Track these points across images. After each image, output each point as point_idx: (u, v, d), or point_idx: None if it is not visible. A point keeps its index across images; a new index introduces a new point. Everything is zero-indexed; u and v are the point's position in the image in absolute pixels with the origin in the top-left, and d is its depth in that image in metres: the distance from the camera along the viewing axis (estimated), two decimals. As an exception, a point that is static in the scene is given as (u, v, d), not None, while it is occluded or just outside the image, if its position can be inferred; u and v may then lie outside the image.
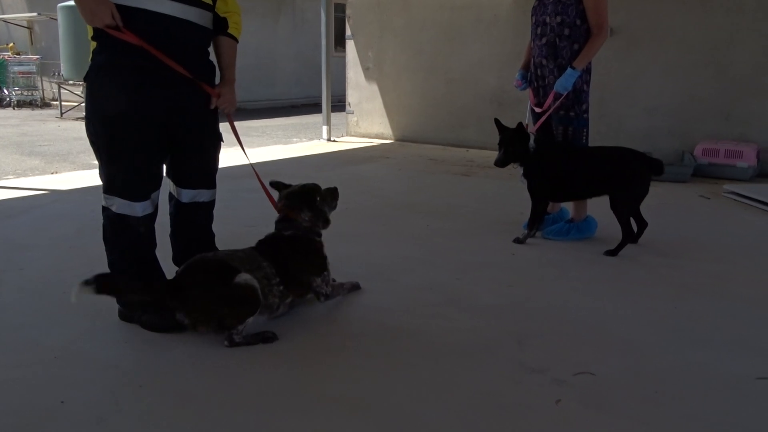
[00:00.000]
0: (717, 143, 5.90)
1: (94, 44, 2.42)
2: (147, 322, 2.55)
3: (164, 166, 2.66)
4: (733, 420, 1.98)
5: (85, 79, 2.44)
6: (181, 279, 2.41)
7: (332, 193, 2.88)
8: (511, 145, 3.69)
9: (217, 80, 2.69)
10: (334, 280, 2.85)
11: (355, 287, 3.02)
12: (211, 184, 2.75)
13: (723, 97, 6.07)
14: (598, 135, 6.31)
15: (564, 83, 3.64)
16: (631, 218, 3.69)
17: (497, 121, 3.86)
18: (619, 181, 3.58)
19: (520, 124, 3.69)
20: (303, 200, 2.75)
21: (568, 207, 4.10)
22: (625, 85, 6.53)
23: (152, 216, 2.58)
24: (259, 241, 2.71)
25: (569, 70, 3.62)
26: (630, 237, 3.62)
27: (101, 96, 2.41)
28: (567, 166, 3.67)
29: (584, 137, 3.84)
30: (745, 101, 5.97)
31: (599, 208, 3.83)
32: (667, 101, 6.38)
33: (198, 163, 2.69)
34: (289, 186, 2.85)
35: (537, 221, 3.82)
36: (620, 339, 2.54)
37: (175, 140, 2.56)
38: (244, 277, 2.39)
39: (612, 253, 3.57)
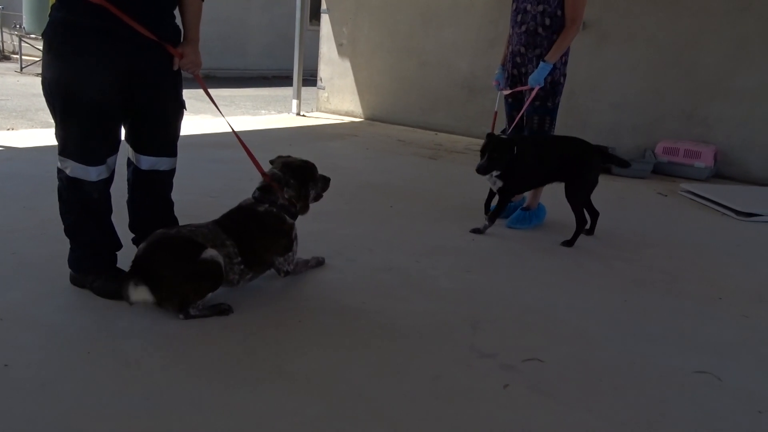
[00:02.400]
0: (677, 142, 6.03)
1: (53, 0, 2.33)
2: (99, 288, 2.51)
3: (123, 131, 2.60)
4: (668, 409, 2.05)
5: (43, 35, 2.35)
6: (146, 258, 2.36)
7: (325, 182, 2.86)
8: (496, 152, 3.61)
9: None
10: (299, 259, 2.84)
11: (319, 263, 3.03)
12: (171, 152, 2.69)
13: (686, 97, 6.20)
14: (566, 127, 6.38)
15: (537, 78, 3.68)
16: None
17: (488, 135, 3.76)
18: (576, 169, 3.70)
19: (503, 134, 3.80)
20: (294, 175, 2.70)
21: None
22: (593, 79, 6.61)
23: (108, 181, 2.52)
24: (227, 213, 2.65)
25: (542, 64, 3.66)
26: (583, 225, 3.72)
27: (58, 55, 2.32)
28: (535, 158, 3.72)
29: (548, 125, 3.89)
30: (708, 103, 6.10)
31: (551, 198, 3.90)
32: (632, 98, 6.48)
33: (158, 130, 2.62)
34: (289, 157, 2.80)
35: (500, 215, 3.84)
36: (570, 328, 2.60)
37: (134, 105, 2.49)
38: (210, 252, 2.38)
39: (569, 243, 3.65)
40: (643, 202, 4.99)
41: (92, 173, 2.43)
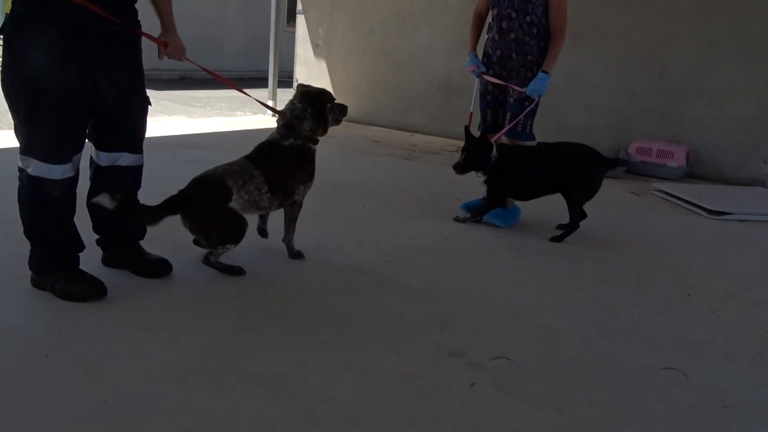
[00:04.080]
0: (650, 142, 6.08)
1: None
2: (60, 290, 2.45)
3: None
4: (634, 406, 2.05)
5: (2, 32, 2.29)
6: (188, 191, 2.72)
7: (342, 109, 3.09)
8: (473, 152, 3.68)
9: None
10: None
11: (299, 254, 3.12)
12: (134, 148, 2.63)
13: (659, 98, 6.25)
14: (540, 128, 6.36)
15: (539, 88, 3.73)
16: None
17: (466, 130, 3.81)
18: (580, 178, 3.72)
19: (484, 134, 3.74)
20: (312, 104, 2.94)
21: None
22: (567, 80, 6.64)
23: (72, 180, 2.45)
24: (258, 146, 2.95)
25: (541, 74, 3.71)
26: (578, 224, 3.76)
27: (21, 52, 2.25)
28: (531, 167, 3.76)
29: (530, 127, 3.90)
30: (680, 104, 6.16)
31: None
32: (606, 99, 6.53)
33: (121, 125, 2.56)
34: (309, 87, 3.08)
35: (484, 214, 3.89)
36: (539, 327, 2.59)
37: (99, 102, 2.43)
38: (235, 205, 2.73)
39: (558, 239, 3.73)
40: (616, 201, 5.02)
41: (56, 172, 2.36)
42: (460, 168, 3.71)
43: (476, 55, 4.02)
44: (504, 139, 3.94)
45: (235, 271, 2.81)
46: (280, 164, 2.88)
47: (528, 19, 3.73)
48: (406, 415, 1.91)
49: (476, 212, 3.94)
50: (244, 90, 3.08)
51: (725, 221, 4.52)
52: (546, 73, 3.74)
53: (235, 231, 2.75)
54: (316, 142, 3.00)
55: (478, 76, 4.03)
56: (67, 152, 2.39)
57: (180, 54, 2.66)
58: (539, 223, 3.98)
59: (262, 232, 3.21)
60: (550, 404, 2.02)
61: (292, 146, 2.91)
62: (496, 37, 3.90)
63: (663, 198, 5.13)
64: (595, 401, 2.07)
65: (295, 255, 3.09)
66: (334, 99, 3.06)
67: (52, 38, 2.24)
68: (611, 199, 5.05)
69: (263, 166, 2.83)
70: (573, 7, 6.39)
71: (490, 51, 3.95)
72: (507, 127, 3.86)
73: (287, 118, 2.93)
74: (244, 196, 2.75)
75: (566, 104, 6.71)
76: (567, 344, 2.46)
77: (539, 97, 3.76)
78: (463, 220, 3.93)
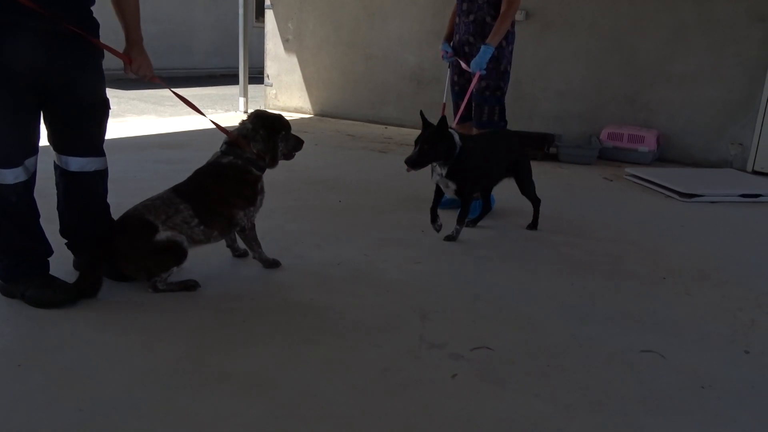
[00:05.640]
0: (621, 128, 6.14)
1: None
2: (31, 297, 2.39)
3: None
4: (613, 389, 2.07)
5: None
6: (112, 237, 2.57)
7: (297, 143, 2.89)
8: (429, 143, 3.19)
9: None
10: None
11: (275, 263, 2.96)
12: (99, 152, 2.57)
13: (628, 83, 6.32)
14: (513, 116, 6.39)
15: (479, 62, 3.66)
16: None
17: (422, 115, 3.42)
18: (524, 160, 3.72)
19: (444, 120, 3.24)
20: (264, 125, 2.73)
21: None
22: (539, 68, 6.68)
23: (27, 183, 2.38)
24: (194, 172, 2.75)
25: (483, 47, 3.64)
26: (539, 204, 3.75)
27: None
28: (489, 155, 3.55)
29: (498, 116, 3.90)
30: (649, 88, 6.24)
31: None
32: (577, 85, 6.58)
33: (83, 130, 2.49)
34: (265, 111, 2.88)
35: (467, 215, 3.56)
36: (519, 315, 2.61)
37: (51, 104, 2.36)
38: (164, 234, 2.54)
39: (533, 226, 3.73)
40: (590, 187, 5.06)
41: (8, 176, 2.29)
42: (414, 163, 3.15)
43: (448, 43, 4.00)
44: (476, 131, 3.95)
45: (189, 286, 2.63)
46: (211, 190, 2.66)
47: None
48: (390, 409, 1.91)
49: (463, 219, 3.49)
50: (199, 109, 2.83)
51: (697, 203, 4.59)
52: (487, 45, 3.64)
53: (173, 255, 2.56)
54: (261, 168, 2.76)
55: (450, 62, 4.00)
56: (17, 155, 2.32)
57: (147, 71, 2.56)
58: (514, 211, 4.00)
59: (234, 250, 3.03)
60: (531, 392, 2.03)
61: (230, 166, 2.68)
62: (457, 20, 3.91)
63: (635, 182, 5.19)
64: (576, 386, 2.08)
65: (271, 264, 2.94)
66: (290, 128, 2.84)
67: None
68: (585, 186, 5.10)
69: (190, 198, 2.62)
70: (542, -6, 6.47)
71: (456, 37, 3.96)
72: (458, 115, 3.81)
73: (233, 136, 2.71)
74: (174, 228, 2.56)
75: (538, 92, 6.75)
76: (546, 331, 2.47)
77: (481, 69, 3.68)
78: (456, 235, 3.48)
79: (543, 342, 2.38)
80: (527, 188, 3.74)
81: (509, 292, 2.83)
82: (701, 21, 5.91)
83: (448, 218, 3.56)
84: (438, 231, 3.48)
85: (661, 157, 6.14)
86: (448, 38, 4.05)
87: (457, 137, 3.30)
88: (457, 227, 3.47)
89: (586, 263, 3.25)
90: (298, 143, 2.89)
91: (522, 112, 6.66)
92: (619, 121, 6.31)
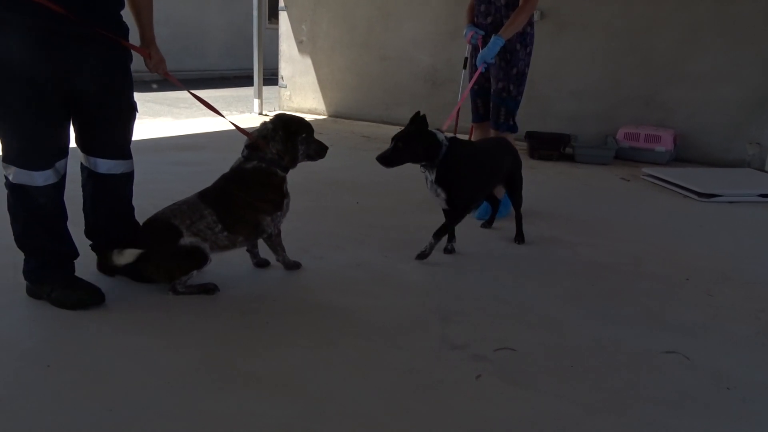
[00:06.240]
0: (638, 128, 6.11)
1: None
2: (57, 298, 2.42)
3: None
4: (639, 391, 2.06)
5: None
6: (138, 239, 2.60)
7: (320, 148, 2.84)
8: (404, 141, 2.98)
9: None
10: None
11: (296, 265, 2.97)
12: (127, 155, 2.61)
13: (644, 83, 6.29)
14: (528, 117, 6.42)
15: (485, 54, 3.62)
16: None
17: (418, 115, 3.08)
18: (519, 174, 3.57)
19: (420, 117, 3.01)
20: (284, 126, 2.72)
21: None
22: (553, 68, 6.66)
23: (57, 186, 2.41)
24: (220, 177, 2.75)
25: (493, 38, 3.61)
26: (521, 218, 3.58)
27: None
28: (485, 164, 3.32)
29: (512, 119, 3.89)
30: (665, 88, 6.20)
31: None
32: (592, 86, 6.55)
33: (111, 132, 2.53)
34: (288, 114, 2.87)
35: (447, 232, 3.22)
36: (540, 316, 2.60)
37: (80, 107, 2.39)
38: (188, 240, 2.55)
39: (520, 239, 3.53)
40: (607, 187, 5.04)
41: (38, 178, 2.33)
42: (386, 160, 2.98)
43: (473, 25, 3.90)
44: (493, 133, 3.93)
45: (209, 289, 2.64)
46: (237, 196, 2.67)
47: (503, 1, 3.70)
48: (415, 410, 1.91)
49: (440, 234, 3.16)
50: (218, 111, 2.86)
51: (715, 203, 4.56)
52: (498, 37, 3.58)
53: (194, 259, 2.58)
54: (285, 170, 2.76)
55: (476, 44, 3.88)
56: (47, 158, 2.35)
57: (162, 66, 2.61)
58: (532, 212, 3.99)
59: (254, 256, 2.98)
60: (555, 393, 2.03)
61: (255, 170, 2.68)
62: (475, 20, 3.89)
63: (653, 182, 5.16)
64: (600, 388, 2.08)
65: (292, 267, 2.94)
66: (312, 131, 2.81)
67: (16, 41, 2.18)
68: (602, 186, 5.09)
69: (215, 203, 2.63)
70: (557, -5, 6.46)
71: (480, 41, 3.93)
72: (453, 113, 3.66)
73: (253, 137, 2.71)
74: (197, 235, 2.58)
75: (552, 92, 6.73)
76: (568, 332, 2.47)
77: (485, 62, 3.64)
78: (429, 251, 3.16)
79: (565, 343, 2.38)
80: (515, 201, 3.58)
81: (529, 293, 2.83)
82: (718, 20, 5.87)
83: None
84: (449, 252, 3.27)
85: (678, 157, 6.10)
86: (471, 21, 3.95)
87: (442, 137, 3.04)
88: (432, 241, 3.14)
89: (606, 264, 3.24)
90: (321, 149, 2.85)
91: (536, 113, 6.65)
92: (635, 121, 6.28)
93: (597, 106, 6.55)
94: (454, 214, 3.17)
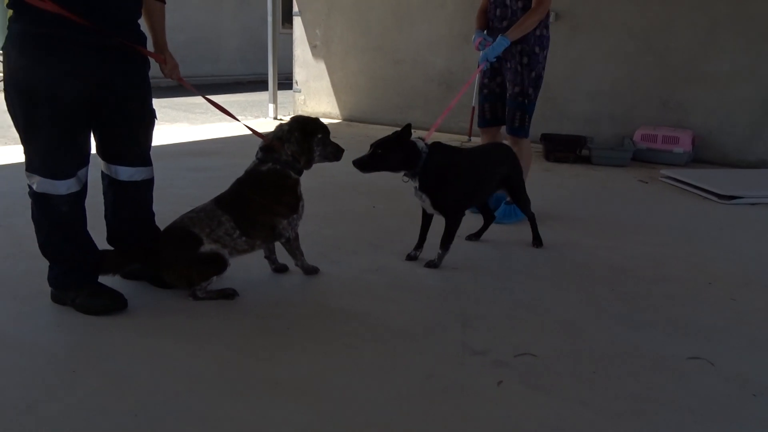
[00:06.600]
0: (655, 129, 6.07)
1: (11, 12, 2.26)
2: (81, 304, 2.45)
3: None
4: (663, 397, 2.05)
5: (2, 49, 2.28)
6: (158, 246, 2.62)
7: (336, 150, 2.83)
8: (383, 148, 2.97)
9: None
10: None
11: (314, 270, 2.98)
12: (147, 162, 2.64)
13: (662, 83, 6.24)
14: (543, 119, 6.41)
15: (488, 53, 3.60)
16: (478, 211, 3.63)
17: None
18: (518, 175, 3.50)
19: (406, 129, 3.00)
20: (300, 127, 2.72)
21: None
22: (569, 69, 6.63)
23: (79, 194, 2.44)
24: (235, 181, 2.76)
25: (500, 37, 3.59)
26: (533, 215, 3.55)
27: (17, 68, 2.24)
28: (473, 169, 3.23)
29: (528, 122, 3.87)
30: (683, 88, 6.15)
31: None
32: (608, 86, 6.51)
33: (131, 140, 2.56)
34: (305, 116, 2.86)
35: (452, 239, 3.16)
36: (560, 320, 2.59)
37: (102, 116, 2.42)
38: (208, 247, 2.58)
39: (538, 243, 3.51)
40: (625, 189, 5.01)
41: (61, 187, 2.35)
42: (362, 165, 2.96)
43: (482, 31, 3.87)
44: (509, 139, 3.91)
45: (228, 294, 2.66)
46: (251, 199, 2.67)
47: (520, 4, 3.68)
48: (436, 416, 1.91)
49: (446, 242, 3.14)
50: (234, 115, 2.86)
51: (736, 205, 4.51)
52: (504, 37, 3.55)
53: (214, 266, 2.60)
54: (299, 172, 2.76)
55: (483, 50, 3.77)
56: (70, 167, 2.38)
57: (176, 71, 2.65)
58: (549, 215, 3.97)
59: (272, 262, 2.99)
60: (578, 399, 2.02)
61: (270, 173, 2.68)
62: (489, 24, 3.87)
63: (671, 184, 5.12)
64: (623, 394, 2.06)
65: (311, 271, 2.95)
66: (329, 133, 2.80)
67: (46, 53, 2.22)
68: (620, 188, 5.05)
69: (231, 209, 2.63)
70: (573, -5, 6.43)
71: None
72: (437, 122, 3.52)
73: (268, 139, 2.72)
74: (218, 242, 2.60)
75: (569, 94, 6.70)
76: (589, 337, 2.45)
77: (487, 61, 3.62)
78: (438, 262, 3.14)
79: (586, 348, 2.37)
80: (521, 204, 3.55)
81: (549, 298, 2.82)
82: (736, 19, 5.81)
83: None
84: (411, 259, 3.21)
85: (697, 158, 6.04)
86: (483, 27, 3.92)
87: (421, 145, 3.01)
88: (440, 251, 3.13)
89: (625, 268, 3.22)
90: (337, 151, 2.84)
91: (552, 114, 6.62)
92: (652, 122, 6.23)
93: (613, 107, 6.51)
94: (447, 221, 3.14)
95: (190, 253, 2.56)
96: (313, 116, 2.86)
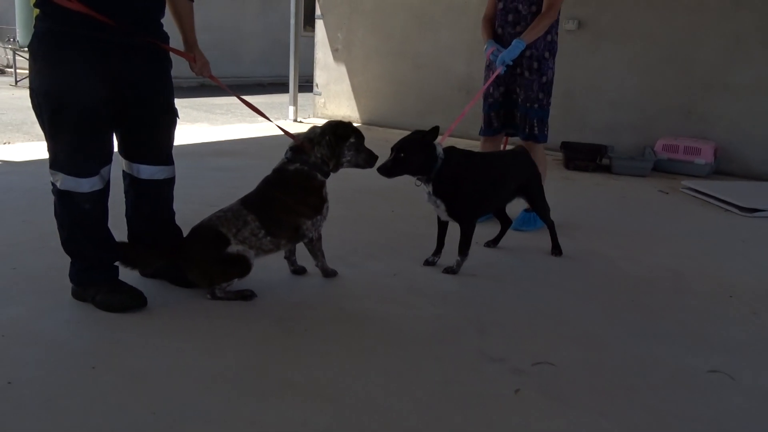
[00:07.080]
0: (677, 139, 6.01)
1: (37, 11, 2.29)
2: (101, 301, 2.48)
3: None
4: (682, 410, 2.02)
5: (29, 47, 2.32)
6: (185, 243, 2.66)
7: (369, 155, 2.79)
8: (405, 151, 2.91)
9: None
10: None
11: (333, 273, 2.98)
12: (169, 161, 2.66)
13: (685, 94, 6.18)
14: (564, 127, 6.39)
15: (503, 56, 3.58)
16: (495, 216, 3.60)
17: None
18: (536, 181, 3.46)
19: (432, 131, 2.93)
20: (332, 130, 2.72)
21: None
22: (591, 78, 6.59)
23: (102, 192, 2.46)
24: (262, 180, 2.77)
25: (515, 41, 3.58)
26: (554, 225, 3.51)
27: (43, 67, 2.27)
28: (488, 174, 3.20)
29: (547, 128, 3.85)
30: (706, 99, 6.08)
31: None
32: (630, 96, 6.46)
33: (154, 139, 2.59)
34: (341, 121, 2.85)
35: (469, 245, 3.13)
36: (579, 330, 2.57)
37: (125, 115, 2.45)
38: (235, 248, 2.59)
39: (558, 251, 3.49)
40: (645, 200, 4.96)
41: (84, 185, 2.38)
42: (388, 172, 2.92)
43: (494, 41, 3.84)
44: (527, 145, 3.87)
45: (246, 296, 2.67)
46: (277, 199, 2.68)
47: (533, 9, 3.67)
48: (454, 422, 1.90)
49: (464, 249, 3.12)
50: (266, 115, 2.93)
51: (758, 218, 4.45)
52: (520, 40, 3.55)
53: (238, 268, 2.61)
54: (326, 174, 2.76)
55: (496, 59, 3.72)
56: (94, 165, 2.41)
57: (206, 68, 2.68)
58: (568, 224, 3.94)
59: (291, 264, 3.00)
60: (596, 410, 2.00)
61: (296, 173, 2.69)
62: (499, 31, 3.84)
63: (692, 196, 5.06)
64: (642, 406, 2.04)
65: (329, 274, 2.97)
66: (363, 139, 2.77)
67: (72, 52, 2.25)
68: (640, 198, 5.01)
69: (257, 208, 2.65)
70: (595, 5, 6.40)
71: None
72: (452, 126, 3.43)
73: (299, 140, 2.74)
74: (244, 242, 2.61)
75: (590, 102, 6.65)
76: (608, 348, 2.43)
77: (504, 64, 3.58)
78: (457, 268, 3.12)
79: (605, 359, 2.35)
80: (540, 211, 3.52)
81: (567, 307, 2.80)
82: (760, 30, 5.74)
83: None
84: (429, 264, 3.20)
85: (718, 170, 5.97)
86: (493, 36, 3.89)
87: (440, 150, 2.98)
88: (458, 258, 3.11)
89: (645, 278, 3.19)
90: (370, 158, 2.79)
91: (574, 123, 6.58)
92: (674, 133, 6.17)
93: (635, 117, 6.45)
94: (462, 228, 3.11)
95: (216, 253, 2.58)
96: (347, 121, 2.85)
